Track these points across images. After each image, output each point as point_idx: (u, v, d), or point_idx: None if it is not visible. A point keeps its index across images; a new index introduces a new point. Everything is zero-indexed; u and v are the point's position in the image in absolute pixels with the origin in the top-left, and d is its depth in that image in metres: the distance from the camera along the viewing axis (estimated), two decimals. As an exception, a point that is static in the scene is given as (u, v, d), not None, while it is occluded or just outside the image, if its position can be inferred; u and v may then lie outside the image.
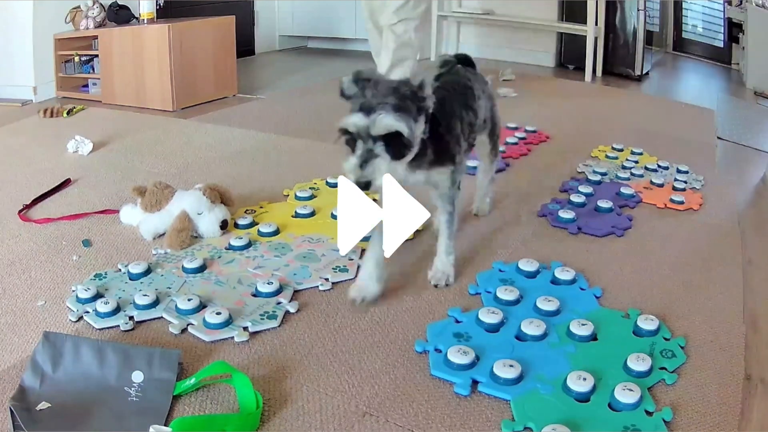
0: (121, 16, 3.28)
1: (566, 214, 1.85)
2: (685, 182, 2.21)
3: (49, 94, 3.25)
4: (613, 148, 2.57)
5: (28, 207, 1.86)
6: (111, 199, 1.93)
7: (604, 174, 2.24)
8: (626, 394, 1.09)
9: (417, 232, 1.76)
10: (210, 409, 1.07)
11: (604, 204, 1.94)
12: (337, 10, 4.89)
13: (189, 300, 1.33)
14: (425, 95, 1.24)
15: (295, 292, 1.43)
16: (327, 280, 1.48)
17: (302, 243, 1.66)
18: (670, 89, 4.37)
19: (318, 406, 1.09)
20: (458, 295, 1.45)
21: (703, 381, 1.18)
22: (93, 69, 3.28)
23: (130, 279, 1.46)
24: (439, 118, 1.32)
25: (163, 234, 1.66)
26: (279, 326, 1.30)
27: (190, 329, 1.27)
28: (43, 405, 1.04)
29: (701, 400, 1.13)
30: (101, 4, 3.24)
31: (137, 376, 1.11)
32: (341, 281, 1.49)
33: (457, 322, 1.33)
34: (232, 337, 1.25)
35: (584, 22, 4.16)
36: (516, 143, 2.57)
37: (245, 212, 1.83)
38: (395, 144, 1.20)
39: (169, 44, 2.99)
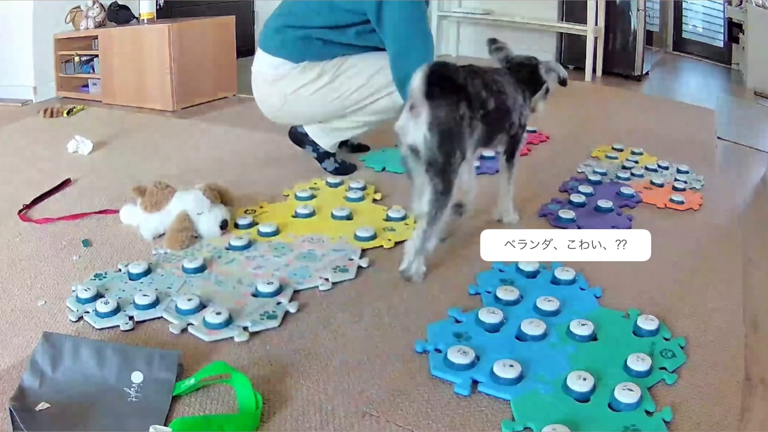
0: (121, 16, 3.27)
1: (566, 214, 1.85)
2: (685, 182, 2.21)
3: (49, 94, 3.25)
4: (613, 148, 2.57)
5: (28, 207, 1.86)
6: (111, 199, 1.93)
7: (604, 174, 2.24)
8: (626, 394, 1.09)
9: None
10: (210, 409, 1.07)
11: (604, 204, 1.94)
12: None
13: (189, 300, 1.33)
14: None
15: (295, 292, 1.43)
16: (327, 280, 1.48)
17: (302, 243, 1.66)
18: (670, 89, 4.37)
19: (318, 406, 1.09)
20: (458, 295, 1.45)
21: (703, 381, 1.18)
22: (93, 69, 3.27)
23: (130, 279, 1.46)
24: None
25: (163, 234, 1.66)
26: (279, 326, 1.30)
27: (190, 329, 1.27)
28: (43, 405, 1.04)
29: (701, 400, 1.13)
30: (101, 4, 3.24)
31: (137, 377, 1.11)
32: (341, 281, 1.49)
33: (457, 322, 1.33)
34: (232, 337, 1.25)
35: (584, 22, 4.16)
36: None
37: (245, 212, 1.83)
38: None
39: (169, 44, 2.98)
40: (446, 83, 1.38)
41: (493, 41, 1.77)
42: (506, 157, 1.74)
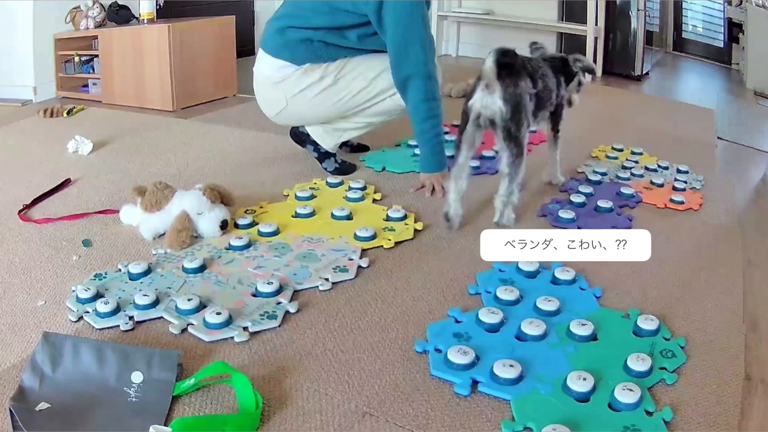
0: (121, 16, 3.27)
1: (566, 214, 1.85)
2: (685, 182, 2.21)
3: (49, 94, 3.25)
4: (613, 148, 2.57)
5: (28, 207, 1.86)
6: (111, 199, 1.93)
7: (604, 174, 2.24)
8: (626, 394, 1.09)
9: (417, 231, 1.76)
10: (209, 409, 1.07)
11: (604, 204, 1.94)
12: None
13: (189, 300, 1.33)
14: None
15: (295, 292, 1.43)
16: (327, 280, 1.48)
17: (302, 243, 1.66)
18: (670, 89, 4.37)
19: (318, 406, 1.09)
20: (458, 295, 1.45)
21: (703, 381, 1.18)
22: (93, 69, 3.27)
23: (130, 279, 1.46)
24: None
25: (163, 234, 1.66)
26: (279, 326, 1.30)
27: (190, 329, 1.27)
28: (43, 405, 1.04)
29: (701, 400, 1.13)
30: (101, 4, 3.24)
31: (137, 377, 1.11)
32: (341, 281, 1.49)
33: (457, 322, 1.33)
34: (232, 337, 1.25)
35: (584, 22, 4.16)
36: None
37: (245, 212, 1.83)
38: None
39: (169, 44, 2.98)
40: (509, 67, 1.65)
41: (534, 43, 2.05)
42: (551, 128, 2.04)
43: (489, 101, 1.67)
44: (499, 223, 1.81)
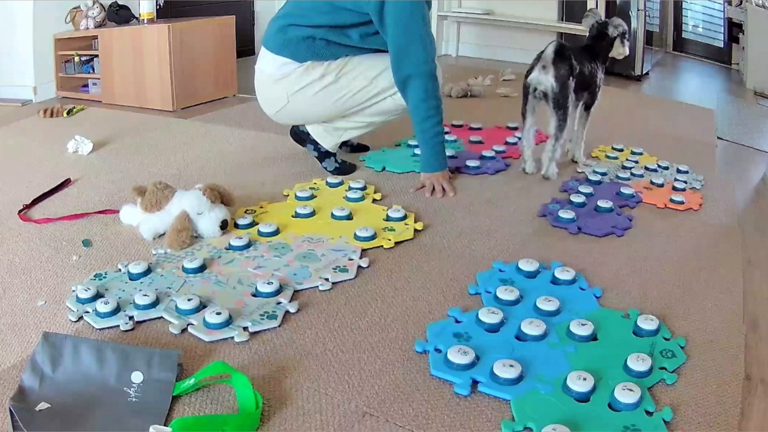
0: (121, 16, 3.27)
1: (566, 214, 1.85)
2: (685, 182, 2.21)
3: (49, 94, 3.25)
4: (613, 148, 2.57)
5: (28, 207, 1.86)
6: (111, 199, 1.93)
7: (604, 174, 2.24)
8: (626, 394, 1.09)
9: (417, 232, 1.76)
10: (209, 409, 1.07)
11: (604, 204, 1.94)
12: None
13: (189, 300, 1.33)
14: None
15: (295, 292, 1.43)
16: (327, 280, 1.48)
17: (302, 243, 1.66)
18: (670, 89, 4.37)
19: (318, 406, 1.09)
20: (458, 295, 1.45)
21: (703, 381, 1.18)
22: (93, 69, 3.27)
23: (130, 279, 1.46)
24: None
25: (163, 234, 1.66)
26: (279, 326, 1.30)
27: (190, 329, 1.27)
28: (43, 405, 1.04)
29: (701, 400, 1.13)
30: (101, 4, 3.24)
31: (137, 377, 1.11)
32: (341, 281, 1.49)
33: (457, 322, 1.33)
34: (232, 337, 1.25)
35: (584, 22, 4.16)
36: (516, 143, 2.57)
37: (245, 212, 1.83)
38: None
39: (169, 44, 2.98)
40: (561, 55, 2.06)
41: (590, 10, 2.40)
42: (584, 108, 2.33)
43: (543, 79, 2.08)
44: (545, 175, 2.19)
